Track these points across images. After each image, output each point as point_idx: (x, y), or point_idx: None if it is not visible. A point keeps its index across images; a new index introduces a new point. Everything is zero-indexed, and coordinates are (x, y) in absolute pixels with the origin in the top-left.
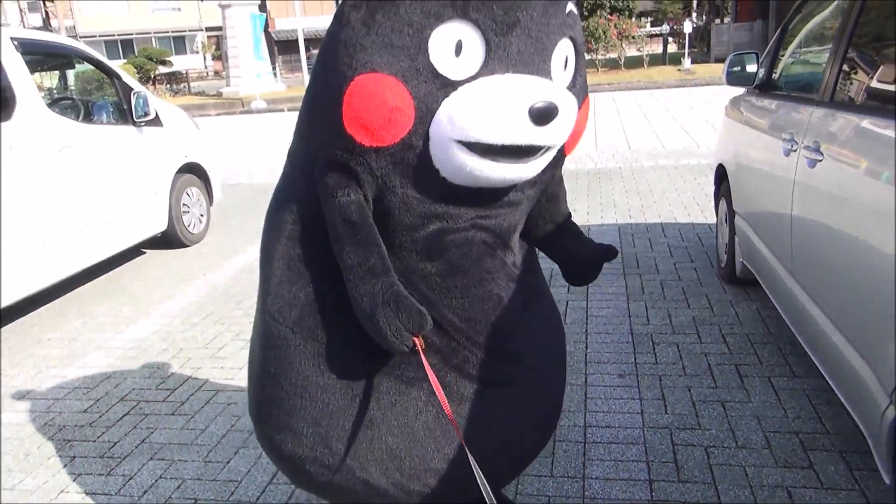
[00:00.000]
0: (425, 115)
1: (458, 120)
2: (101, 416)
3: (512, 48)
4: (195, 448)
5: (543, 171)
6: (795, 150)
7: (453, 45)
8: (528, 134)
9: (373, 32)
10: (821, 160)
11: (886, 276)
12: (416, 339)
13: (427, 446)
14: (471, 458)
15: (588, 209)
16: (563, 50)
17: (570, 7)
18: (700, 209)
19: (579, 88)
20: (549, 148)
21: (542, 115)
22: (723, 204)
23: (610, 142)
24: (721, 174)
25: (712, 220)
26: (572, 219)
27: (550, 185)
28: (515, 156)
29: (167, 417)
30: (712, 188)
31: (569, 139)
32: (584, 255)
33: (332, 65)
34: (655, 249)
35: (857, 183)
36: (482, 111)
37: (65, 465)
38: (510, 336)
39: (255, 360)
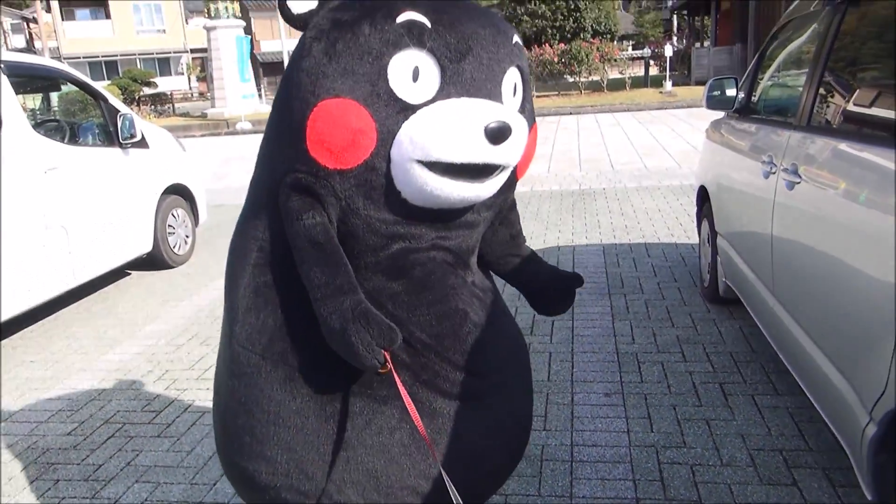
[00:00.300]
0: (386, 138)
1: (418, 140)
2: (85, 439)
3: (465, 74)
4: (181, 470)
5: (497, 194)
6: (774, 173)
7: (411, 71)
8: (485, 153)
9: (334, 61)
10: (799, 182)
11: (865, 295)
12: (386, 355)
13: (403, 464)
14: (444, 474)
15: (573, 229)
16: (512, 77)
17: (516, 38)
18: (683, 229)
19: (528, 114)
20: (503, 168)
21: (497, 135)
22: (705, 225)
23: (593, 163)
24: (703, 195)
25: (695, 240)
26: (527, 244)
27: (504, 208)
28: (473, 175)
29: (153, 440)
30: (694, 209)
31: (520, 162)
32: (543, 279)
33: (295, 92)
34: (639, 269)
35: (835, 204)
36: (442, 131)
37: (48, 489)
38: (477, 351)
39: (223, 390)
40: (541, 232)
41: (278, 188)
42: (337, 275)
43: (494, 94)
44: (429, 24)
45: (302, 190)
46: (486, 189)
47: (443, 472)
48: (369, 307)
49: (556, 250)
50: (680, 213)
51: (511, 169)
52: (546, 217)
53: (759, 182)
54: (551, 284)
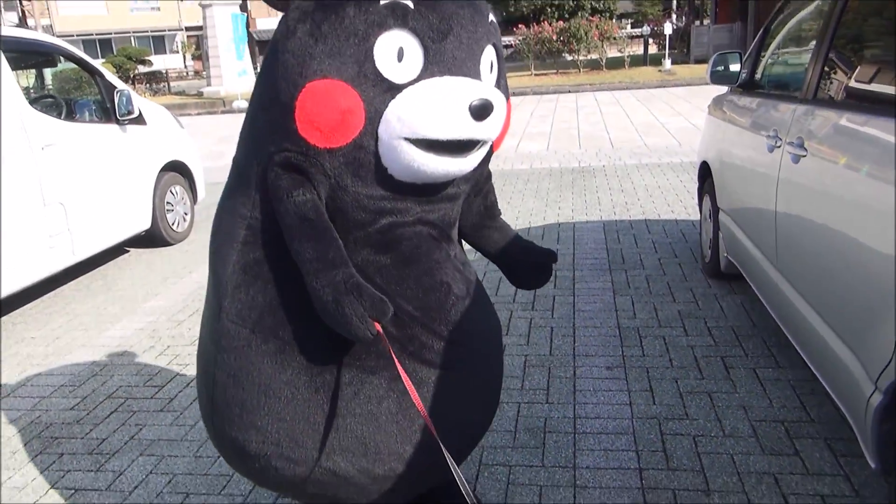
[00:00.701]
0: (374, 117)
1: (406, 119)
2: (88, 414)
3: (447, 53)
4: (185, 444)
5: (476, 167)
6: (779, 147)
7: (396, 51)
8: (469, 129)
9: (321, 42)
10: (804, 156)
11: (870, 266)
12: (377, 326)
13: (390, 431)
14: (438, 440)
15: (573, 206)
16: (489, 55)
17: (491, 17)
18: (683, 206)
19: (503, 90)
20: (484, 142)
21: (481, 112)
22: (706, 200)
23: (593, 141)
24: (705, 171)
25: (695, 216)
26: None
27: (480, 180)
28: (456, 150)
29: (156, 414)
30: (694, 186)
31: (497, 135)
32: (516, 253)
33: (281, 73)
34: (640, 245)
35: (841, 177)
36: (428, 110)
37: (53, 462)
38: (459, 322)
39: (210, 364)
40: (540, 209)
41: (266, 167)
42: (328, 249)
43: (474, 72)
44: (411, 5)
45: (292, 168)
46: (468, 163)
47: (437, 439)
48: (361, 280)
49: (555, 227)
50: (680, 189)
51: (490, 143)
52: (546, 194)
53: (763, 156)
54: (524, 258)
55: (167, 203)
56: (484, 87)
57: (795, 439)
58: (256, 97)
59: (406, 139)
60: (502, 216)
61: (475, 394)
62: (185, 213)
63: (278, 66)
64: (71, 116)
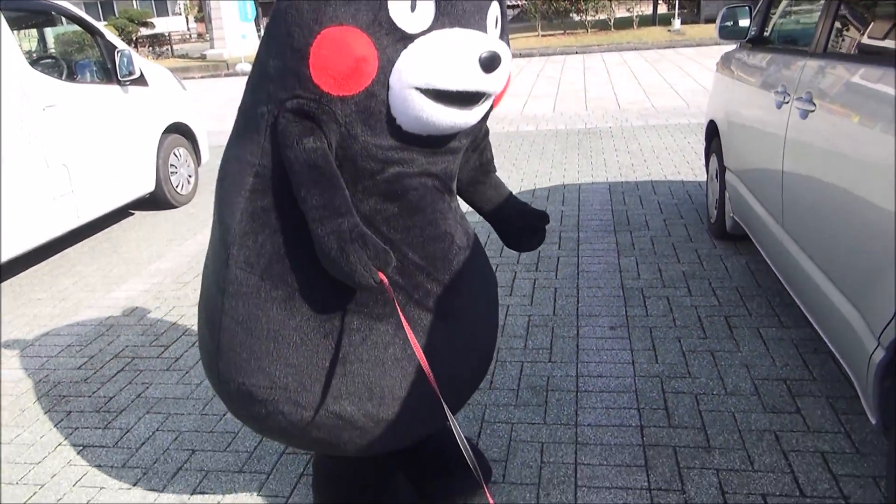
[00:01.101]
0: (386, 66)
1: (418, 68)
2: (95, 373)
3: (458, 6)
4: (191, 402)
5: (478, 121)
6: (787, 102)
7: (409, 1)
8: (478, 80)
9: None
10: (813, 110)
11: (876, 222)
12: (381, 275)
13: (395, 376)
14: (435, 386)
15: (579, 168)
16: (494, 11)
17: None
18: (690, 167)
19: (505, 45)
20: (489, 96)
21: (489, 63)
22: (713, 160)
23: (600, 102)
24: (712, 130)
25: (702, 178)
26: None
27: (478, 136)
28: (464, 102)
29: (162, 373)
30: (702, 147)
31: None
32: (508, 212)
33: (295, 19)
34: (646, 207)
35: (848, 131)
36: (440, 60)
37: (61, 420)
38: (461, 271)
39: (216, 311)
40: (546, 170)
41: (277, 114)
42: (335, 197)
43: (482, 26)
44: None
45: (303, 115)
46: (473, 115)
47: (433, 385)
48: (365, 230)
49: (561, 188)
50: (687, 151)
51: (493, 97)
52: (551, 156)
53: (770, 113)
54: (516, 218)
55: (171, 165)
56: (492, 39)
57: (797, 397)
58: (267, 44)
59: (417, 88)
60: (498, 175)
61: (472, 343)
62: (189, 176)
63: (291, 12)
64: (72, 77)
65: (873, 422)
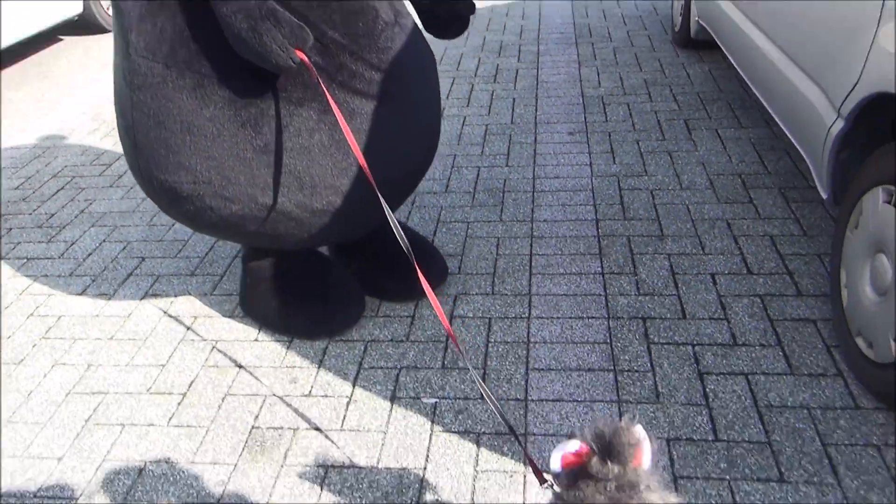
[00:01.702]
0: None
1: None
2: (34, 192)
3: None
4: (137, 214)
5: None
6: None
7: None
8: None
9: None
10: None
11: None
12: (300, 54)
13: (324, 164)
14: (365, 167)
15: None
16: None
17: None
18: None
19: None
20: None
21: None
22: None
23: None
24: None
25: None
26: None
27: None
28: None
29: (105, 190)
30: None
31: None
32: None
33: None
34: (609, 19)
35: None
36: None
37: (2, 237)
38: (389, 50)
39: (127, 106)
40: None
41: None
42: None
43: None
44: None
45: None
46: None
47: (364, 166)
48: (275, 5)
49: (521, 3)
50: None
51: None
52: None
53: None
54: (443, 3)
55: None
56: None
57: (751, 189)
58: None
59: None
60: None
61: (409, 129)
62: None
63: None
64: None
65: (825, 196)
